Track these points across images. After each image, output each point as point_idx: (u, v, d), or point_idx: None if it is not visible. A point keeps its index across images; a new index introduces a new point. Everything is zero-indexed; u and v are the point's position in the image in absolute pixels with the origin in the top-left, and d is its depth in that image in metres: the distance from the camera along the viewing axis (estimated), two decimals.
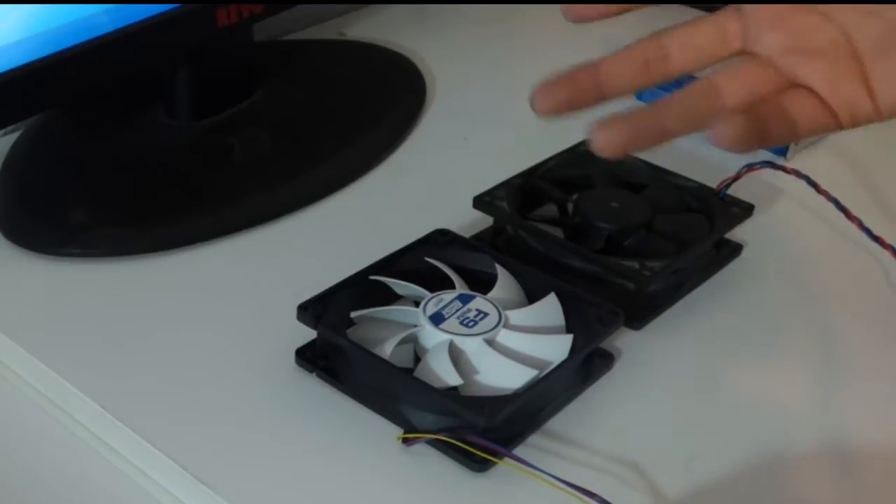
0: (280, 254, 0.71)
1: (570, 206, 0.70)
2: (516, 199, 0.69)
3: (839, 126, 0.50)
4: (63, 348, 0.62)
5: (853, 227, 0.71)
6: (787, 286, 0.71)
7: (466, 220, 0.70)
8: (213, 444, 0.57)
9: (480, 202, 0.69)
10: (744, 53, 0.51)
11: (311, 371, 0.60)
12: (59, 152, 0.78)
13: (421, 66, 0.91)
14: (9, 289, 0.67)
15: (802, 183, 0.72)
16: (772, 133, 0.50)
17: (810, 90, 0.50)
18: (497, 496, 0.55)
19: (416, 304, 0.61)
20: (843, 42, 0.49)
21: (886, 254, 0.71)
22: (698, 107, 0.51)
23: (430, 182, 0.79)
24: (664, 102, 0.51)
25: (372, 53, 0.93)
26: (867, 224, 0.71)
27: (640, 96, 0.88)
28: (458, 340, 0.59)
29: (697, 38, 0.51)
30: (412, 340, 0.60)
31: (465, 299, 0.61)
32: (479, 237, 0.70)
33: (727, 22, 0.51)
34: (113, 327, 0.64)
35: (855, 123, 0.50)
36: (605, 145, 0.50)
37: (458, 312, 0.60)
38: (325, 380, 0.60)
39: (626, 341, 0.64)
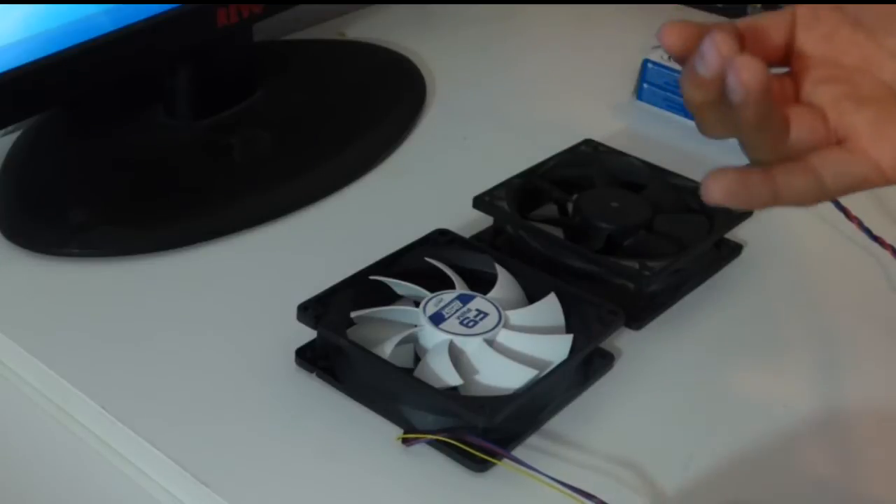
0: (280, 254, 0.71)
1: (570, 206, 0.70)
2: (516, 199, 0.69)
3: (883, 176, 0.49)
4: (63, 348, 0.62)
5: (853, 227, 0.71)
6: (787, 286, 0.71)
7: (466, 220, 0.70)
8: (213, 444, 0.57)
9: (480, 202, 0.69)
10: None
11: (311, 371, 0.60)
12: (59, 152, 0.78)
13: (421, 66, 0.91)
14: (9, 289, 0.67)
15: None
16: (790, 188, 0.50)
17: (853, 143, 0.50)
18: (496, 497, 0.55)
19: (416, 304, 0.61)
20: (889, 92, 0.50)
21: (886, 254, 0.71)
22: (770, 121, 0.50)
23: (430, 182, 0.79)
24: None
25: (372, 53, 0.93)
26: (867, 224, 0.71)
27: (640, 96, 0.89)
28: (458, 340, 0.59)
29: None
30: (412, 340, 0.60)
31: (465, 299, 0.61)
32: (479, 237, 0.70)
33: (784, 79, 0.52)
34: (113, 327, 0.64)
35: None
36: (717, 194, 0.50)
37: (458, 312, 0.60)
38: (325, 380, 0.60)
39: (626, 341, 0.64)
